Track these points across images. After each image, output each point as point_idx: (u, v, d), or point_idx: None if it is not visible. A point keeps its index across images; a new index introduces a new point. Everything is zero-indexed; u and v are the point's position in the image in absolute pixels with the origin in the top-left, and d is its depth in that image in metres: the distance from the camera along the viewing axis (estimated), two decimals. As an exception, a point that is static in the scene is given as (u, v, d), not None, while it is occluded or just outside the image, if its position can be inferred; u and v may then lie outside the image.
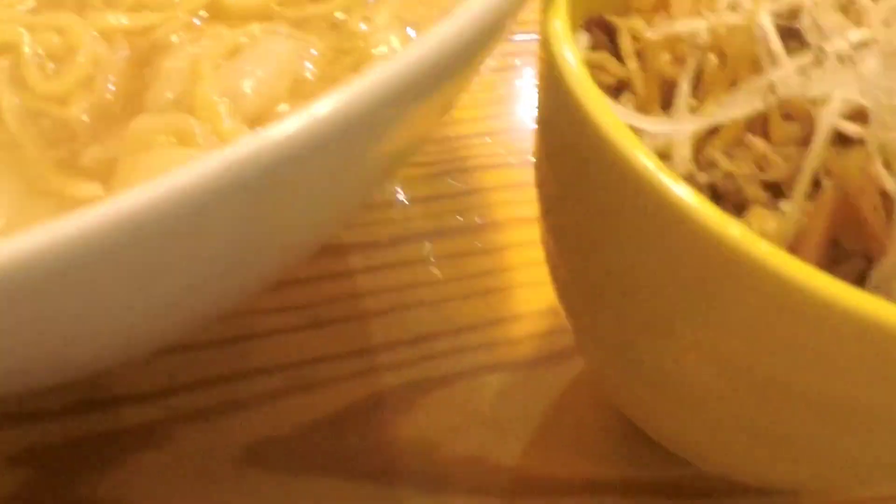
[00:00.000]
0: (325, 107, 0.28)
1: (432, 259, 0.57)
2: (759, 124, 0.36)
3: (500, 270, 0.56)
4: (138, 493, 0.46)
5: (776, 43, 0.35)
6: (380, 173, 0.37)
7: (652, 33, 0.39)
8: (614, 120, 0.33)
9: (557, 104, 0.36)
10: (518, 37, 0.70)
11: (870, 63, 0.33)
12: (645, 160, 0.31)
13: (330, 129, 0.28)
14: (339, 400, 0.50)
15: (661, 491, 0.48)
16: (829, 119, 0.33)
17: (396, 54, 0.30)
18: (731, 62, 0.37)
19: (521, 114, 0.67)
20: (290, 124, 0.28)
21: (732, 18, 0.37)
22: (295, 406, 0.49)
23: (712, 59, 0.37)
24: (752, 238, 0.29)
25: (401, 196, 0.60)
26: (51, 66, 0.44)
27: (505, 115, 0.67)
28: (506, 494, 0.47)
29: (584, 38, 0.40)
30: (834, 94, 0.33)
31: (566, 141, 0.37)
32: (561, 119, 0.37)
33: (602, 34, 0.41)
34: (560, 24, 0.37)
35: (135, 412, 0.48)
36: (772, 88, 0.34)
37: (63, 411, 0.48)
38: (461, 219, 0.59)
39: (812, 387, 0.32)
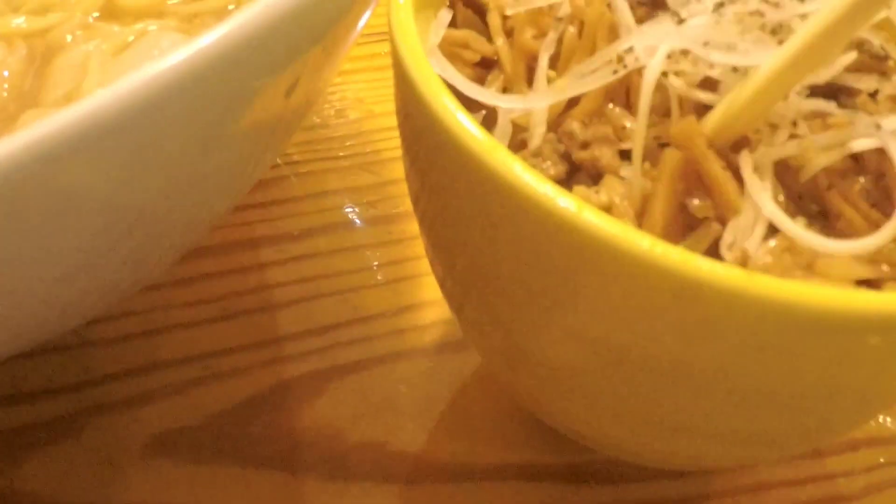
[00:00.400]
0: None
1: (343, 250, 0.57)
2: (622, 93, 0.36)
3: (409, 259, 0.57)
4: (52, 484, 0.47)
5: (626, 11, 0.36)
6: (242, 151, 0.38)
7: (512, 8, 0.39)
8: (441, 94, 0.33)
9: (400, 87, 0.37)
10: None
11: (700, 19, 0.34)
12: (471, 134, 0.31)
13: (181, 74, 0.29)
14: (246, 390, 0.50)
15: (564, 476, 0.48)
16: (653, 71, 0.33)
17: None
18: (589, 32, 0.37)
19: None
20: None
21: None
22: (202, 396, 0.50)
23: (571, 31, 0.37)
24: (578, 207, 0.29)
25: (314, 189, 0.61)
26: None
27: None
28: (408, 480, 0.48)
29: (445, 16, 0.40)
30: (661, 47, 0.34)
31: (412, 127, 0.37)
32: (404, 103, 0.37)
33: (470, 11, 0.41)
34: (405, 13, 0.37)
35: (49, 406, 0.49)
36: (619, 58, 0.35)
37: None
38: (374, 210, 0.60)
39: (660, 356, 0.32)
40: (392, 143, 0.63)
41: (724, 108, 0.33)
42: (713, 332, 0.30)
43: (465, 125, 0.32)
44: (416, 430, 0.49)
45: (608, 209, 0.33)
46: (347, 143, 0.64)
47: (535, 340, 0.37)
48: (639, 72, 0.34)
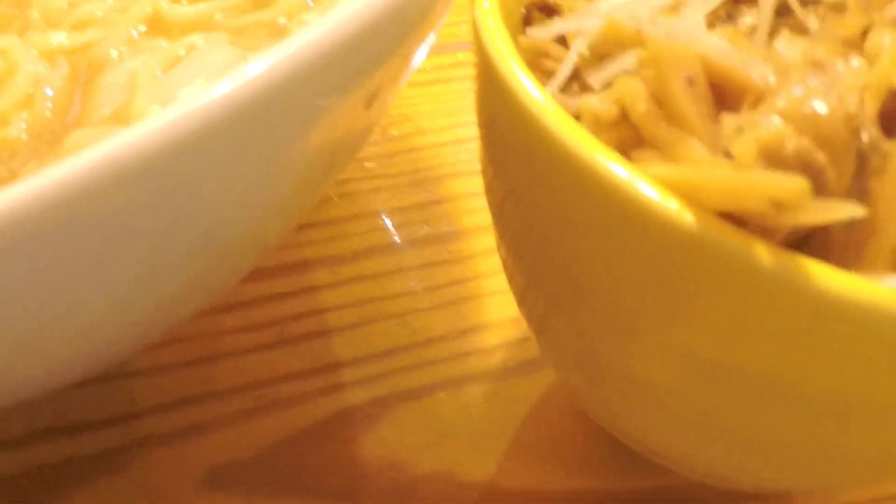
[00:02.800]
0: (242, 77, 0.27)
1: (399, 271, 0.55)
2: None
3: (469, 279, 0.55)
4: (98, 521, 0.45)
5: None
6: (308, 168, 0.36)
7: (565, 24, 0.37)
8: (547, 103, 0.31)
9: (493, 96, 0.35)
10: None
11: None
12: (592, 150, 0.30)
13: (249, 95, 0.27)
14: (303, 419, 0.48)
15: (642, 500, 0.46)
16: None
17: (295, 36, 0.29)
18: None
19: (490, 121, 0.65)
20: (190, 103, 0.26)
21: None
22: (257, 427, 0.48)
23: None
24: (708, 219, 0.28)
25: (366, 209, 0.59)
26: None
27: (471, 124, 0.63)
28: (477, 510, 0.46)
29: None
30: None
31: (505, 136, 0.35)
32: (498, 112, 0.35)
33: (546, 17, 0.39)
34: (489, 5, 0.36)
35: (95, 438, 0.47)
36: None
37: (24, 439, 0.47)
38: (429, 228, 0.58)
39: (782, 376, 0.30)
40: (443, 160, 0.62)
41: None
42: (820, 345, 0.28)
43: (573, 131, 0.30)
44: (485, 458, 0.47)
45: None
46: (396, 160, 0.62)
47: (620, 352, 0.35)
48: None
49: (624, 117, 0.32)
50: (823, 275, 0.27)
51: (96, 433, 0.47)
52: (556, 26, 0.37)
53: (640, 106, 0.31)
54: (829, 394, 0.30)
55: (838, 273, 0.27)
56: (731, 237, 0.27)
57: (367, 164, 0.62)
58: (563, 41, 0.38)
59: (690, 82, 0.31)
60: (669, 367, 0.33)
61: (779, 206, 0.27)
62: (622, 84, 0.32)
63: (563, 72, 0.35)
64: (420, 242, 0.57)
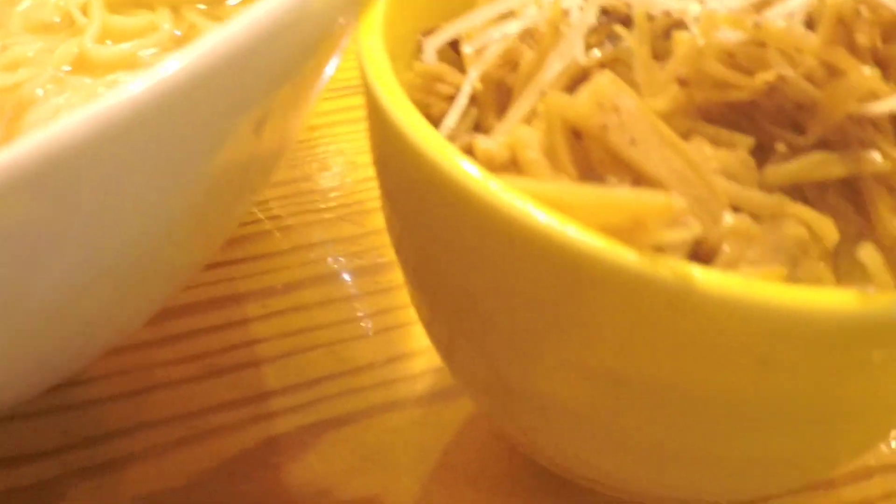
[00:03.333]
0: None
1: (329, 302, 0.56)
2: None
3: (397, 308, 0.56)
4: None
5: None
6: (201, 193, 0.36)
7: (470, 46, 0.39)
8: (422, 128, 0.32)
9: (380, 132, 0.36)
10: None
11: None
12: (455, 164, 0.31)
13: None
14: (234, 448, 0.49)
15: (566, 522, 0.47)
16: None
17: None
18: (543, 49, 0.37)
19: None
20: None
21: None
22: (189, 456, 0.48)
23: (528, 55, 0.37)
24: (588, 233, 0.28)
25: (297, 242, 0.60)
26: None
27: None
28: (403, 535, 0.46)
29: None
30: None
31: (395, 170, 0.36)
32: (385, 147, 0.36)
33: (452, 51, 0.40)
34: (371, 36, 0.37)
35: (29, 471, 0.47)
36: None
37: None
38: (359, 260, 0.58)
39: (678, 381, 0.31)
40: (375, 194, 0.62)
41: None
42: (711, 346, 0.29)
43: (446, 153, 0.31)
44: (411, 483, 0.48)
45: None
46: (330, 196, 0.63)
47: (526, 374, 0.36)
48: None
49: (513, 161, 0.33)
50: (692, 274, 0.28)
51: (31, 465, 0.48)
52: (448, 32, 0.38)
53: (530, 153, 0.32)
54: (724, 395, 0.31)
55: (706, 271, 0.28)
56: (608, 249, 0.28)
57: (301, 199, 0.62)
58: (459, 67, 0.40)
59: (577, 136, 0.32)
60: (573, 383, 0.34)
61: (639, 224, 0.28)
62: (517, 131, 0.33)
63: (460, 103, 0.37)
64: (352, 274, 0.58)
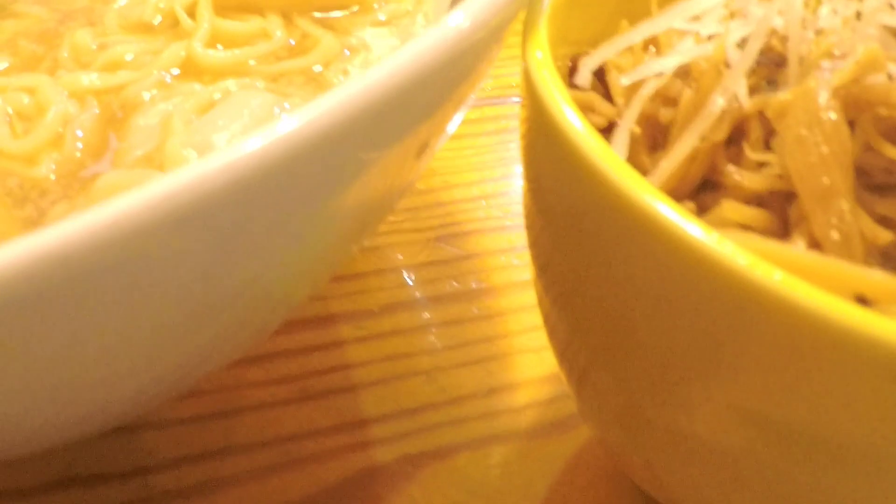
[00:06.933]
0: (287, 126, 0.26)
1: (427, 327, 0.54)
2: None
3: (498, 337, 0.54)
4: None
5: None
6: (358, 219, 0.35)
7: (628, 78, 0.37)
8: (610, 155, 0.31)
9: (547, 145, 0.34)
10: (513, 99, 0.70)
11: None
12: (647, 194, 0.29)
13: (287, 151, 0.26)
14: (329, 476, 0.47)
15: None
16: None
17: (353, 79, 0.28)
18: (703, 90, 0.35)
19: (518, 177, 0.65)
20: (251, 144, 0.25)
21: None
22: (281, 484, 0.46)
23: (687, 94, 0.36)
24: (766, 268, 0.27)
25: (393, 263, 0.58)
26: (20, 126, 0.44)
27: (501, 179, 0.65)
28: (510, 574, 0.44)
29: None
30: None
31: (558, 184, 0.35)
32: (551, 162, 0.35)
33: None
34: (542, 55, 0.35)
35: (110, 492, 0.46)
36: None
37: (39, 489, 0.45)
38: (457, 284, 0.57)
39: (846, 437, 0.29)
40: (471, 215, 0.61)
41: None
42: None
43: (637, 184, 0.30)
44: (517, 520, 0.46)
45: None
46: (423, 216, 0.61)
47: (677, 411, 0.34)
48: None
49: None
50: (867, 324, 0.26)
51: (111, 486, 0.46)
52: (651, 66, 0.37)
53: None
54: (874, 451, 0.29)
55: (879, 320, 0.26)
56: (804, 295, 0.26)
57: (393, 219, 0.61)
58: (608, 97, 0.38)
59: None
60: (719, 423, 0.32)
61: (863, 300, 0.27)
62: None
63: (620, 141, 0.35)
64: (448, 299, 0.56)
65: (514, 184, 0.65)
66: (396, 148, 0.32)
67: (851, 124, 0.32)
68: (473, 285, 0.57)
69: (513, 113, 0.70)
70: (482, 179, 0.65)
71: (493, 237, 0.60)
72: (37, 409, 0.31)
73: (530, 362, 0.53)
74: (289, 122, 0.25)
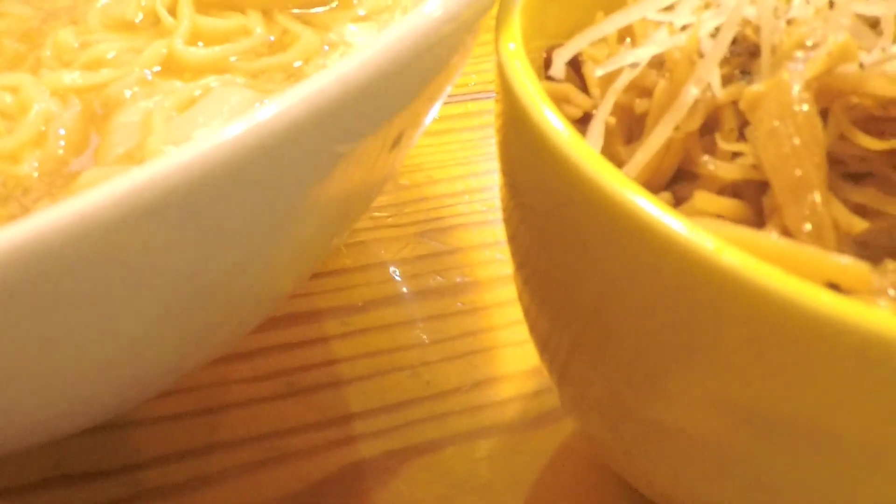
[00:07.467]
0: (261, 115, 0.26)
1: (411, 322, 0.54)
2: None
3: (482, 331, 0.54)
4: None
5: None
6: (335, 211, 0.35)
7: (602, 69, 0.38)
8: (584, 148, 0.31)
9: (521, 139, 0.35)
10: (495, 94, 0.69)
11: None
12: (621, 186, 0.29)
13: (263, 140, 0.26)
14: (315, 472, 0.47)
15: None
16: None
17: (329, 67, 0.28)
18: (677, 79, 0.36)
19: (500, 171, 0.65)
20: (225, 133, 0.26)
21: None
22: (267, 480, 0.47)
23: (661, 85, 0.36)
24: (740, 255, 0.27)
25: (377, 258, 0.58)
26: (3, 124, 0.44)
27: (484, 174, 0.66)
28: (495, 567, 0.44)
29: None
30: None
31: (534, 177, 0.35)
32: (526, 155, 0.35)
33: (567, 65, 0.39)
34: (514, 46, 0.36)
35: (97, 489, 0.46)
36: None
37: (27, 487, 0.46)
38: (441, 279, 0.57)
39: (822, 423, 0.29)
40: (455, 210, 0.62)
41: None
42: (881, 394, 0.27)
43: (612, 175, 0.30)
44: (504, 513, 0.46)
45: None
46: (408, 211, 0.62)
47: (649, 397, 0.34)
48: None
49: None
50: (876, 318, 0.26)
51: (99, 483, 0.46)
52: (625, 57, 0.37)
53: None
54: (874, 445, 0.29)
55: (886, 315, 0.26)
56: (775, 281, 0.27)
57: (377, 214, 0.61)
58: (583, 88, 0.38)
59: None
60: (698, 413, 0.33)
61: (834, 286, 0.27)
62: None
63: (595, 131, 0.35)
64: (432, 293, 0.56)
65: (497, 179, 0.64)
66: (371, 139, 0.32)
67: (825, 113, 0.33)
68: (458, 280, 0.57)
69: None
70: (466, 174, 0.65)
71: (476, 232, 0.61)
72: (16, 404, 0.31)
73: (514, 356, 0.53)
74: (263, 111, 0.26)
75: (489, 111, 0.69)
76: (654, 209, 0.29)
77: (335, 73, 0.27)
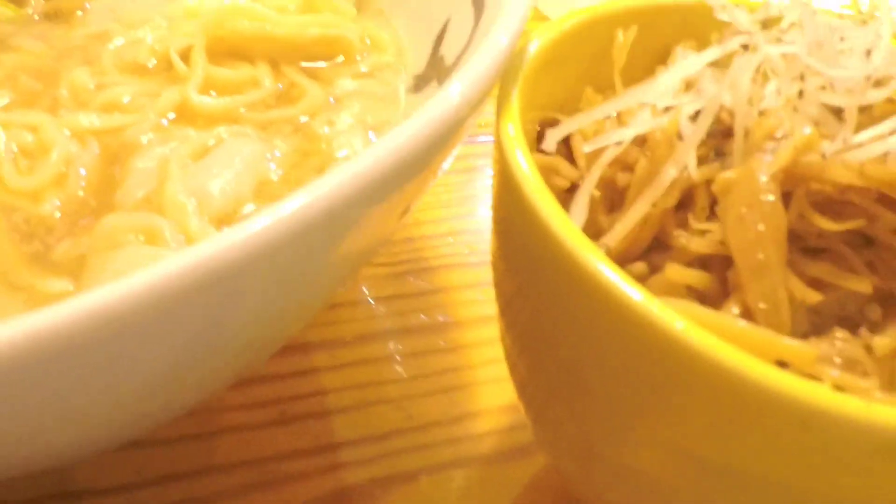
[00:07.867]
0: (288, 208, 0.29)
1: (396, 357, 0.57)
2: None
3: (462, 368, 0.57)
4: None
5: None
6: (342, 272, 0.38)
7: (589, 146, 0.40)
8: (567, 223, 0.34)
9: (513, 207, 0.38)
10: (480, 138, 0.72)
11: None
12: (597, 262, 0.33)
13: (293, 229, 0.29)
14: (303, 496, 0.50)
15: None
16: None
17: (357, 156, 0.31)
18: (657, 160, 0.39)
19: (484, 214, 0.68)
20: (254, 224, 0.28)
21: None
22: (259, 502, 0.49)
23: (643, 162, 0.39)
24: (698, 333, 0.31)
25: (365, 295, 0.61)
26: (24, 162, 0.46)
27: (468, 216, 0.68)
28: None
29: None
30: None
31: (521, 242, 0.38)
32: (516, 221, 0.38)
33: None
34: (513, 129, 0.38)
35: (98, 505, 0.48)
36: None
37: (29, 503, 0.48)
38: (425, 317, 0.60)
39: (769, 474, 0.33)
40: (441, 251, 0.64)
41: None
42: (831, 459, 0.31)
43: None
44: (476, 541, 0.49)
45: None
46: (394, 251, 0.64)
47: (624, 448, 0.37)
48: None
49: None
50: (809, 391, 0.30)
51: (101, 499, 0.48)
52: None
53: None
54: (816, 495, 0.32)
55: (822, 389, 0.30)
56: (729, 357, 0.30)
57: (367, 253, 0.63)
58: (571, 160, 0.41)
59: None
60: (660, 459, 0.36)
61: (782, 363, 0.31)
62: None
63: (581, 202, 0.39)
64: (416, 331, 0.59)
65: (479, 220, 0.68)
66: (385, 213, 0.35)
67: (788, 196, 0.36)
68: (440, 318, 0.60)
69: (480, 152, 0.73)
70: (450, 217, 0.68)
71: (459, 273, 0.63)
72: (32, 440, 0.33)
73: (492, 392, 0.55)
74: (296, 199, 0.29)
75: (474, 154, 0.71)
76: (622, 283, 0.32)
77: (360, 165, 0.30)
